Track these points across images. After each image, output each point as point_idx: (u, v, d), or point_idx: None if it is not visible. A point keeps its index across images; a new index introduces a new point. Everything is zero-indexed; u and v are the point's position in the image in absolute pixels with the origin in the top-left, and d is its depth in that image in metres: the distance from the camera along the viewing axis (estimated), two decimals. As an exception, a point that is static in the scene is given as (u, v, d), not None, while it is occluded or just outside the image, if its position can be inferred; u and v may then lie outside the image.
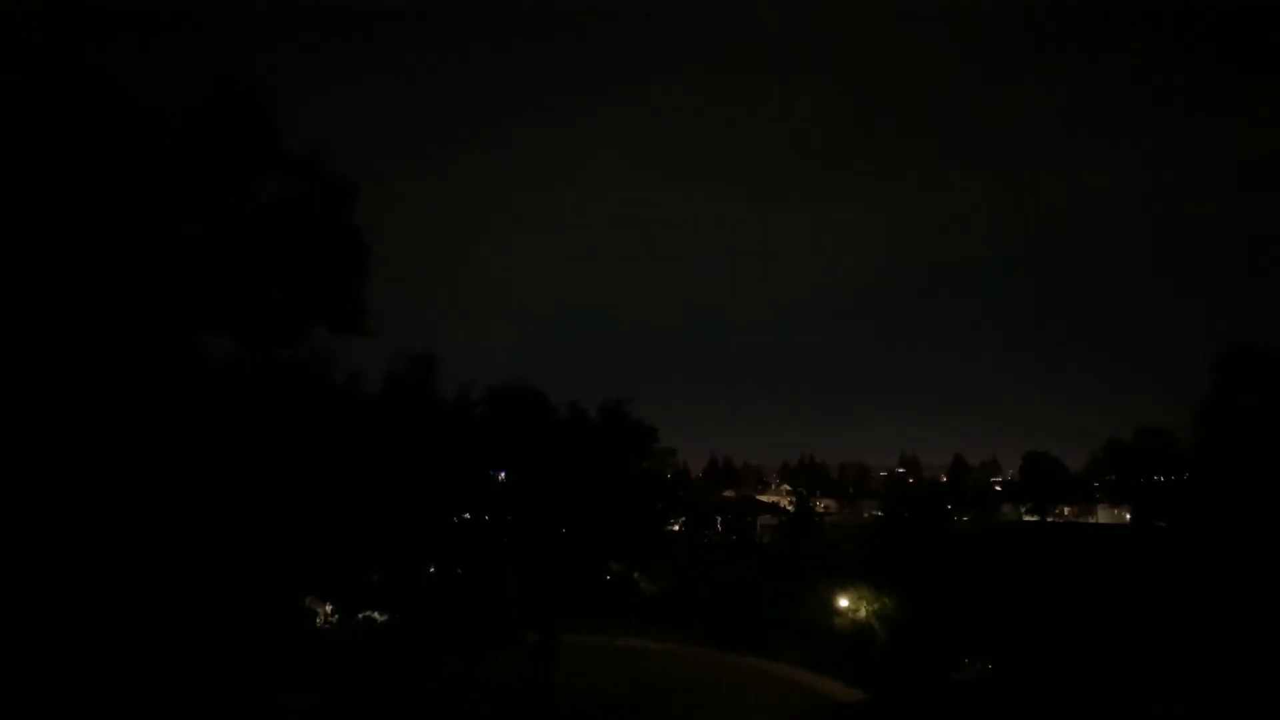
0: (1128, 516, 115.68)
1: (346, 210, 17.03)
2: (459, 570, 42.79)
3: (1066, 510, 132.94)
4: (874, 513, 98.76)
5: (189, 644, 16.67)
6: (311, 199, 16.43)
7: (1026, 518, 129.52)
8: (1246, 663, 37.26)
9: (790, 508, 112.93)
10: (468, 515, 47.98)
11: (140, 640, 15.56)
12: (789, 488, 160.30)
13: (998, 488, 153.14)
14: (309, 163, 16.50)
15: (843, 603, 54.76)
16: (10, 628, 12.64)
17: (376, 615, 37.70)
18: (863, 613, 52.98)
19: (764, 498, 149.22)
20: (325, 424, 19.46)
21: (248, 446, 15.72)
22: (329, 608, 39.86)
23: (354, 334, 18.23)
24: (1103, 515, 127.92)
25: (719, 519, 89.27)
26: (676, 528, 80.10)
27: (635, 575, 57.23)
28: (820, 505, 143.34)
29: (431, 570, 41.90)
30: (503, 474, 50.63)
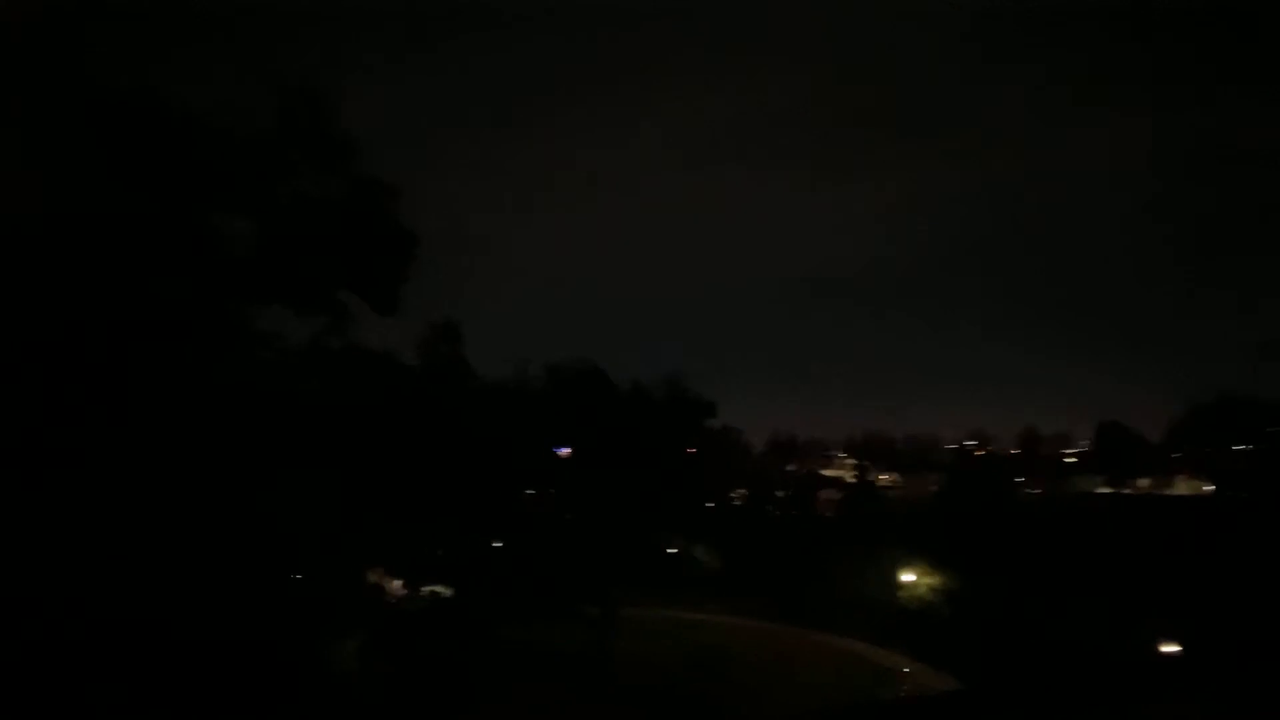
0: (1207, 488, 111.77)
1: (389, 204, 17.69)
2: (521, 545, 43.67)
3: (1143, 482, 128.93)
4: (939, 486, 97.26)
5: (261, 617, 17.51)
6: (354, 194, 17.10)
7: (1100, 490, 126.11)
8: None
9: (853, 481, 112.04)
10: (531, 491, 48.86)
11: (219, 615, 16.44)
12: (853, 461, 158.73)
13: (1070, 460, 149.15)
14: (349, 156, 17.18)
15: (906, 577, 54.37)
16: (100, 602, 13.53)
17: (441, 589, 38.74)
18: (923, 588, 52.53)
19: (827, 471, 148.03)
20: (372, 398, 20.19)
21: (303, 423, 16.44)
22: (398, 584, 41.16)
23: (389, 314, 18.88)
24: (1182, 487, 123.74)
25: (780, 493, 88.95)
26: (738, 502, 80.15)
27: (695, 550, 57.69)
28: (885, 479, 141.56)
29: (496, 545, 42.91)
30: (565, 450, 51.35)
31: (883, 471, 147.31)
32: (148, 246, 14.26)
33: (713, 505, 62.98)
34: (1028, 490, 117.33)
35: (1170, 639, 42.26)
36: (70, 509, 14.22)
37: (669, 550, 58.02)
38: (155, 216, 14.56)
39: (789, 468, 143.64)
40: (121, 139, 15.31)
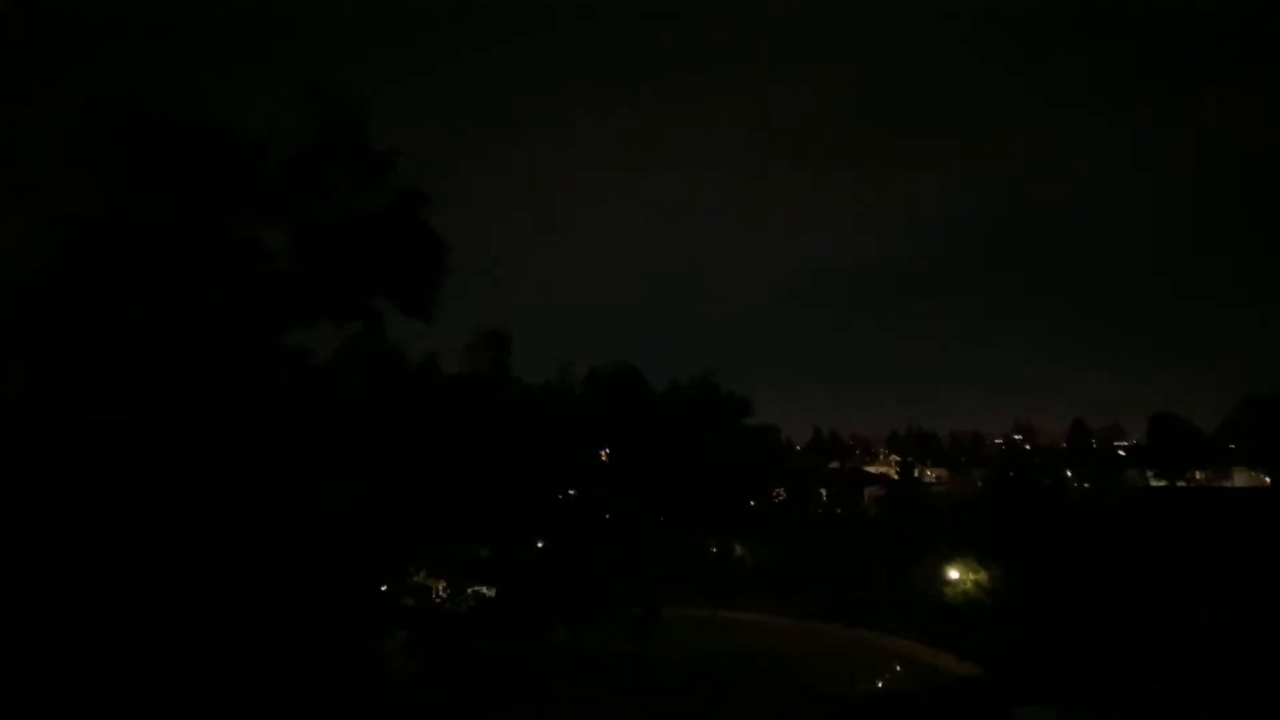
0: (1268, 480, 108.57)
1: (420, 210, 18.08)
2: (563, 546, 44.01)
3: (1198, 474, 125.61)
4: (985, 481, 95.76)
5: (308, 617, 17.97)
6: (389, 202, 17.52)
7: (1154, 483, 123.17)
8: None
9: (897, 478, 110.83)
10: (572, 492, 49.24)
11: (267, 612, 16.90)
12: (897, 458, 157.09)
13: (1121, 453, 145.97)
14: (386, 168, 17.59)
15: (952, 574, 53.75)
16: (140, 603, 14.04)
17: (485, 590, 39.22)
18: (970, 584, 51.86)
19: (872, 468, 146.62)
20: (411, 404, 20.63)
21: (343, 431, 16.87)
22: (443, 584, 41.75)
23: (424, 319, 19.29)
24: (1239, 478, 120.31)
25: (824, 491, 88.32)
26: (779, 499, 79.79)
27: (737, 549, 57.59)
28: (931, 475, 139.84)
29: (539, 545, 43.31)
30: (606, 452, 51.64)
31: (928, 467, 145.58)
32: (187, 260, 14.78)
33: (754, 504, 62.74)
34: (1078, 484, 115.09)
35: (1227, 634, 41.31)
36: (116, 516, 14.75)
37: (711, 549, 57.95)
38: (194, 230, 15.08)
39: (832, 465, 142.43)
40: (161, 152, 15.86)
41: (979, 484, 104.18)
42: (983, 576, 51.77)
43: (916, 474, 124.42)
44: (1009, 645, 46.96)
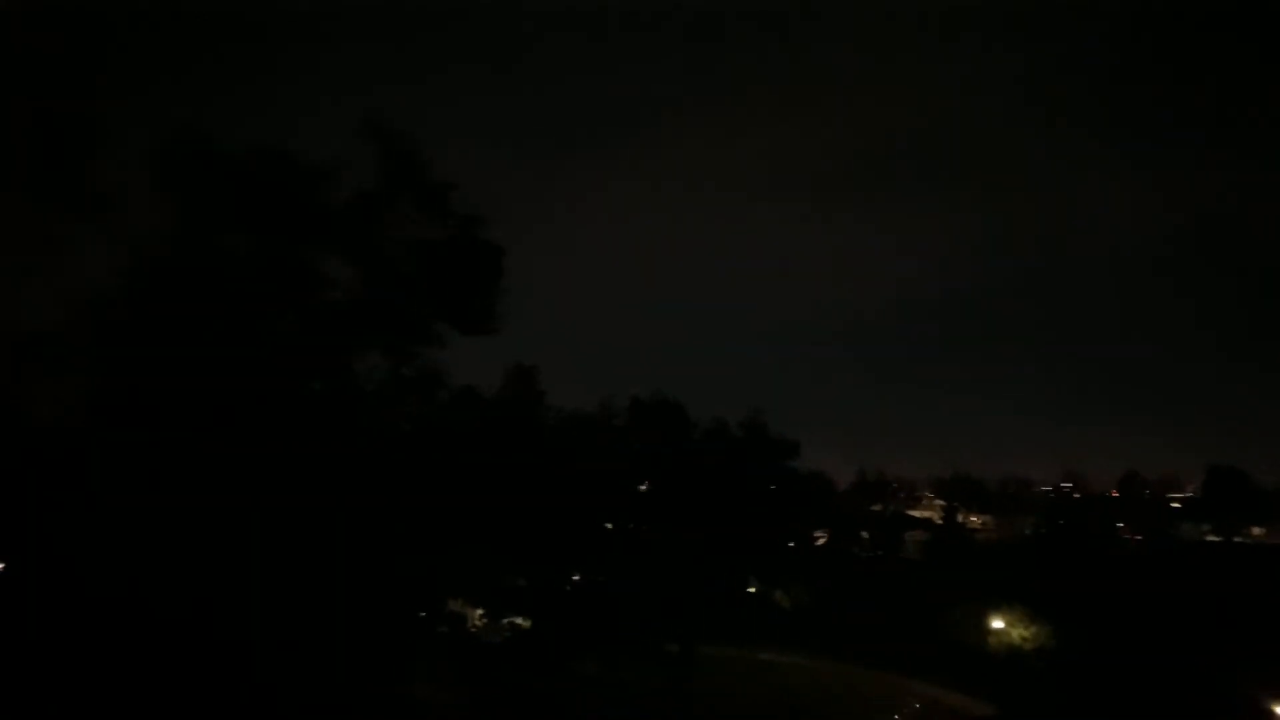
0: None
1: (478, 233, 18.65)
2: (600, 579, 43.89)
3: (1256, 530, 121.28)
4: (1032, 529, 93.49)
5: (343, 642, 18.22)
6: (450, 230, 18.11)
7: (1209, 538, 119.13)
8: None
9: (941, 523, 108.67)
10: (610, 525, 49.15)
11: (304, 639, 17.16)
12: (941, 502, 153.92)
13: (1176, 505, 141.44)
14: (443, 196, 18.19)
15: (996, 624, 52.51)
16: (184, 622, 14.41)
17: (520, 621, 39.20)
18: (1014, 635, 50.56)
19: (915, 512, 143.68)
20: (455, 427, 21.04)
21: (393, 451, 17.26)
22: (479, 613, 41.82)
23: (489, 334, 19.81)
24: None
25: (865, 533, 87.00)
26: (821, 541, 78.76)
27: (775, 591, 56.97)
28: (975, 520, 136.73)
29: (575, 578, 43.24)
30: (644, 485, 51.54)
31: (972, 513, 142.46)
32: (260, 288, 15.40)
33: (794, 545, 62.03)
34: (1129, 536, 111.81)
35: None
36: (175, 524, 15.18)
37: (749, 590, 57.27)
38: (266, 260, 15.73)
39: (875, 507, 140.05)
40: (234, 183, 16.59)
41: (1024, 531, 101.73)
42: (1030, 631, 50.42)
43: (960, 519, 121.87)
44: (1044, 695, 45.70)
